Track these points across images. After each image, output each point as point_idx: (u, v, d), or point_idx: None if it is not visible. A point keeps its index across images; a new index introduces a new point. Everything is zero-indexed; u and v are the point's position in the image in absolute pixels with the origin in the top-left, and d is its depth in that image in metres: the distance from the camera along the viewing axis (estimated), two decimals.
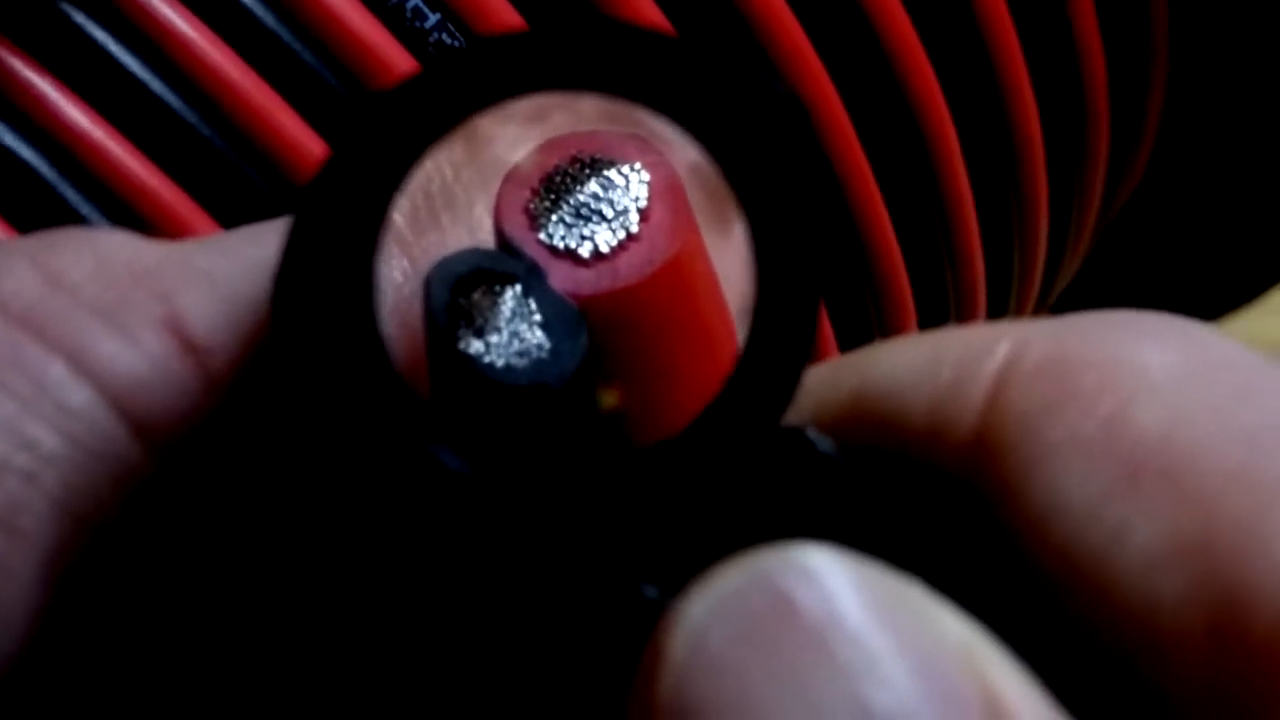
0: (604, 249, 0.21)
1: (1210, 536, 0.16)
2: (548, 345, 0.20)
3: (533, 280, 0.21)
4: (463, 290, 0.20)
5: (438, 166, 0.22)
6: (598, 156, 0.22)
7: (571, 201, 0.21)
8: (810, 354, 0.17)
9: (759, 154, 0.17)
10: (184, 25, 0.25)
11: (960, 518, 0.18)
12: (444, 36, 0.26)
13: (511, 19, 0.26)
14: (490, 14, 0.26)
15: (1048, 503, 0.17)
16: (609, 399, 0.20)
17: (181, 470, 0.18)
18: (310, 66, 0.25)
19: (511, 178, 0.21)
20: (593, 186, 0.22)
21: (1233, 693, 0.16)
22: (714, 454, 0.17)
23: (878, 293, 0.32)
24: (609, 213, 0.21)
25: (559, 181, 0.21)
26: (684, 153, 0.21)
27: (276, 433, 0.19)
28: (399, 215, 0.21)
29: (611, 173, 0.22)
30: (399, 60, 0.25)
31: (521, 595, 0.18)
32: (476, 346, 0.20)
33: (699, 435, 0.17)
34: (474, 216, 0.22)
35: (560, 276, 0.21)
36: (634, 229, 0.21)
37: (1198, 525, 0.16)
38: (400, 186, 0.17)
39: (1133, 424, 0.17)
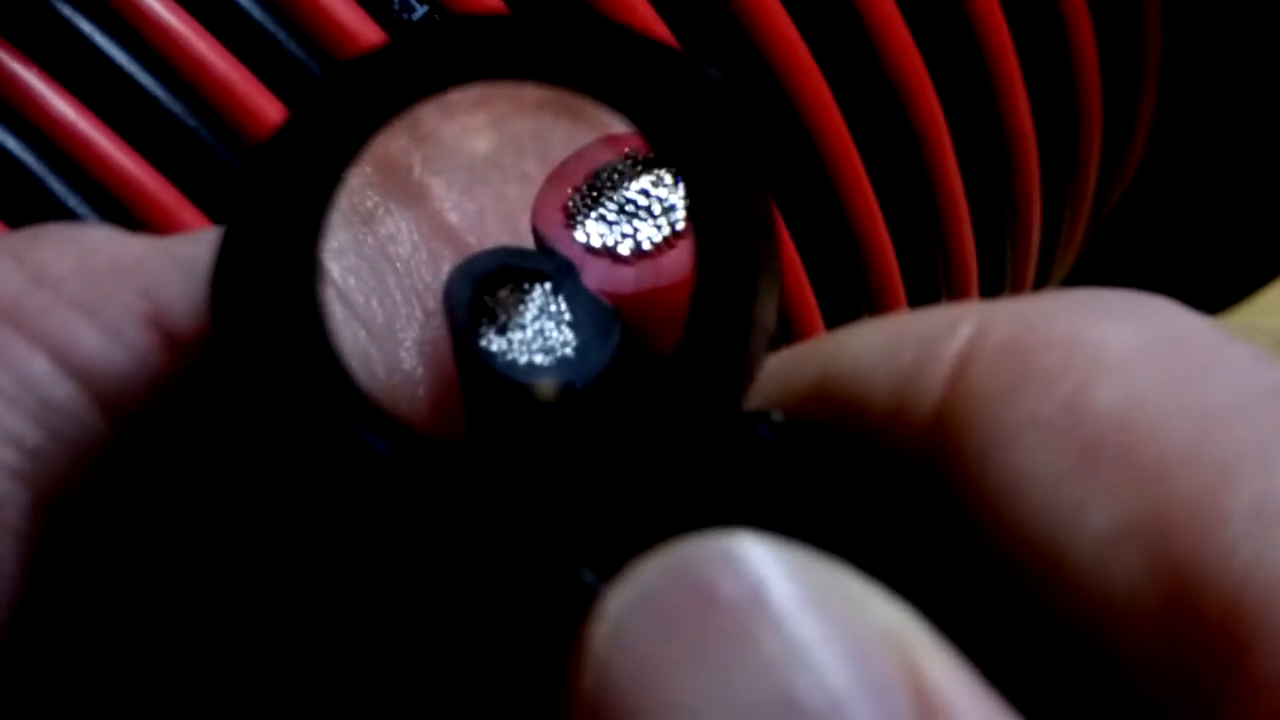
0: (647, 246, 0.21)
1: (1163, 517, 0.16)
2: (575, 344, 0.20)
3: (564, 278, 0.20)
4: (488, 288, 0.20)
5: (379, 154, 0.22)
6: (650, 155, 0.21)
7: (616, 198, 0.21)
8: (749, 335, 0.16)
9: (694, 140, 0.16)
10: (170, 16, 0.25)
11: (916, 500, 0.18)
12: None
13: (495, 5, 0.26)
14: (476, 6, 0.26)
15: (1006, 484, 0.17)
16: (546, 390, 0.20)
17: (147, 454, 0.18)
18: (297, 58, 0.25)
19: (556, 175, 0.21)
20: (642, 183, 0.21)
21: (1185, 675, 0.16)
22: (654, 436, 0.16)
23: (871, 290, 0.31)
24: (656, 209, 0.21)
25: (606, 178, 0.21)
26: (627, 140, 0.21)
27: (226, 417, 0.19)
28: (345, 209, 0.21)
29: (663, 171, 0.21)
30: None
31: (459, 580, 0.17)
32: (498, 344, 0.19)
33: (637, 418, 0.17)
34: (428, 203, 0.22)
35: (596, 275, 0.20)
36: (680, 226, 0.21)
37: (1151, 505, 0.16)
38: (343, 171, 0.17)
39: (1091, 404, 0.17)
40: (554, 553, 0.16)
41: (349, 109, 0.17)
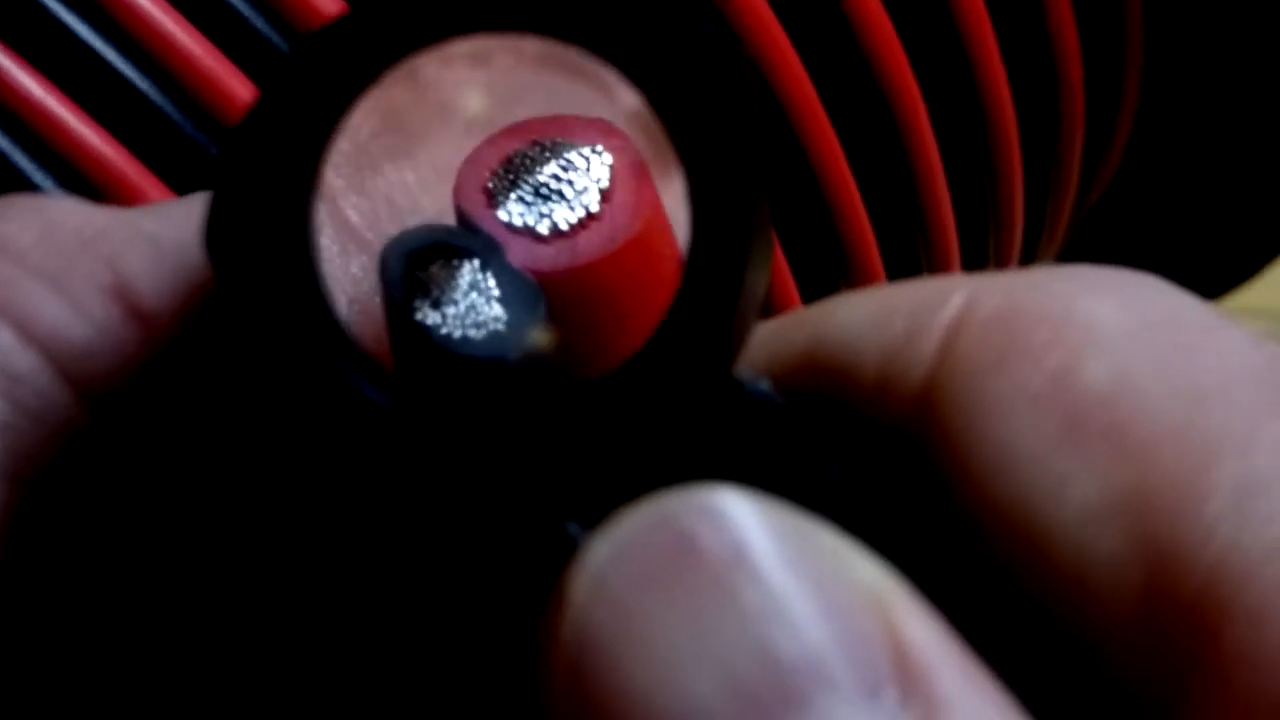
0: (563, 227, 0.21)
1: (1146, 494, 0.16)
2: (505, 319, 0.20)
3: (490, 255, 0.20)
4: (419, 264, 0.20)
5: (379, 109, 0.22)
6: (558, 140, 0.22)
7: (530, 181, 0.21)
8: (741, 298, 0.16)
9: (693, 98, 0.17)
10: None
11: (901, 468, 0.18)
12: None
13: None
14: None
15: (992, 455, 0.17)
16: (544, 339, 0.20)
17: (124, 431, 0.18)
18: (264, 35, 0.25)
19: (471, 160, 0.22)
20: (552, 168, 0.22)
21: (1162, 651, 0.16)
22: (644, 395, 0.16)
23: (853, 281, 0.31)
24: (569, 193, 0.21)
25: (518, 163, 0.22)
26: (626, 97, 0.21)
27: (214, 379, 0.18)
28: (340, 163, 0.21)
29: (572, 154, 0.22)
30: None
31: (446, 530, 0.17)
32: (434, 318, 0.20)
33: (628, 377, 0.17)
34: (421, 158, 0.22)
35: (519, 253, 0.21)
36: (594, 208, 0.21)
37: (1135, 482, 0.16)
38: (337, 123, 0.17)
39: (1079, 378, 0.17)
40: (540, 504, 0.17)
41: (346, 59, 0.17)
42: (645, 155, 0.22)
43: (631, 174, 0.21)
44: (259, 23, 0.25)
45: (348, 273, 0.21)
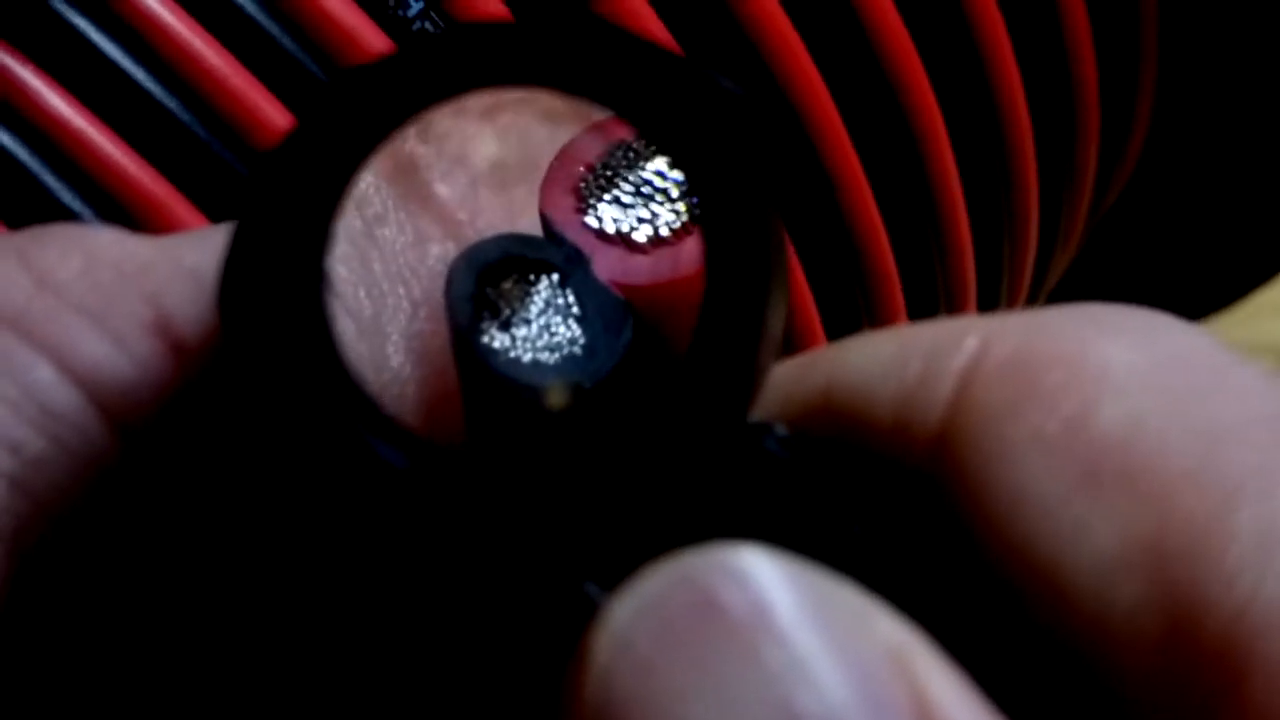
0: (664, 232, 0.19)
1: (1164, 539, 0.16)
2: (583, 340, 0.19)
3: (573, 269, 0.19)
4: (490, 280, 0.19)
5: (391, 160, 0.22)
6: None
7: (632, 178, 0.20)
8: (758, 349, 0.16)
9: (706, 150, 0.16)
10: (164, 12, 0.25)
11: (919, 515, 0.18)
12: (427, 25, 0.26)
13: (496, 9, 0.26)
14: (475, 3, 0.26)
15: (1008, 501, 0.17)
16: (557, 398, 0.19)
17: (153, 464, 0.18)
18: (291, 53, 0.25)
19: (563, 155, 0.20)
20: (657, 163, 0.20)
21: (1182, 701, 0.16)
22: (661, 448, 0.16)
23: (868, 290, 0.31)
24: (674, 192, 0.20)
25: (620, 157, 0.20)
26: None
27: (236, 426, 0.18)
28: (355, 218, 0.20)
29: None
30: (381, 48, 0.25)
31: (464, 591, 0.17)
32: (501, 341, 0.19)
33: (644, 428, 0.16)
34: (435, 208, 0.22)
35: (608, 264, 0.19)
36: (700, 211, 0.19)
37: (1153, 527, 0.16)
38: (353, 176, 0.17)
39: (1095, 423, 0.17)
40: (559, 565, 0.16)
41: (359, 114, 0.16)
42: None
43: None
44: (288, 43, 0.25)
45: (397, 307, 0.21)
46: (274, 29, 0.25)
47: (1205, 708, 0.16)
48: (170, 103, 0.25)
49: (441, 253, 0.21)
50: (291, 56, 0.25)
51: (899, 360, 0.18)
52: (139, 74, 0.25)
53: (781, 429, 0.18)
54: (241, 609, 0.18)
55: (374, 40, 0.25)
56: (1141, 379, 0.17)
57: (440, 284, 0.20)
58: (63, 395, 0.18)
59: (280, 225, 0.16)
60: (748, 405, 0.17)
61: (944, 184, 0.32)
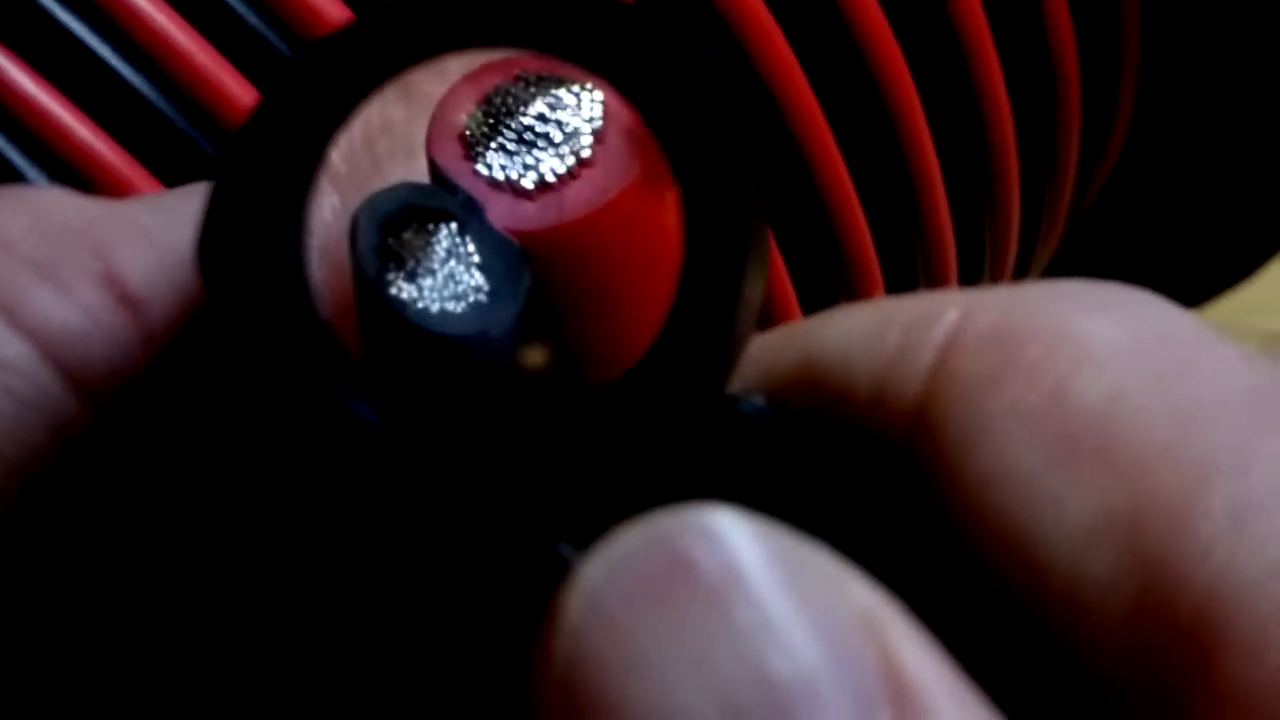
0: (550, 178, 0.19)
1: (1140, 513, 0.16)
2: (487, 288, 0.19)
3: (469, 216, 0.19)
4: (393, 230, 0.19)
5: (373, 121, 0.22)
6: (544, 74, 0.20)
7: (514, 125, 0.20)
8: (736, 318, 0.16)
9: (690, 117, 0.16)
10: None
11: (894, 486, 0.18)
12: None
13: None
14: None
15: (985, 472, 0.17)
16: (536, 358, 0.19)
17: (118, 422, 0.18)
18: (256, 30, 0.25)
19: (445, 102, 0.20)
20: (539, 106, 0.20)
21: (1155, 674, 0.16)
22: (637, 413, 0.16)
23: (849, 279, 0.31)
24: (557, 136, 0.20)
25: (500, 103, 0.20)
26: (622, 115, 0.20)
27: (208, 384, 0.18)
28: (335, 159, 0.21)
29: (561, 91, 0.20)
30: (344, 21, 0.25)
31: (437, 549, 0.17)
32: (408, 291, 0.19)
33: (621, 393, 0.16)
34: (414, 171, 0.22)
35: (500, 211, 0.19)
36: (586, 154, 0.20)
37: (1129, 501, 0.16)
38: (333, 135, 0.16)
39: (1074, 396, 0.17)
40: (531, 524, 0.16)
41: (339, 74, 0.16)
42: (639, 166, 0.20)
43: (620, 115, 0.19)
44: (253, 19, 0.25)
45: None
46: (240, 6, 0.25)
47: (1178, 681, 0.16)
48: (135, 79, 0.25)
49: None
50: (255, 31, 0.25)
51: (878, 332, 0.18)
52: (99, 46, 0.25)
53: (759, 399, 0.18)
54: (218, 567, 0.18)
55: (337, 14, 0.25)
56: (1122, 354, 0.17)
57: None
58: (11, 345, 0.18)
59: (260, 182, 0.16)
60: (725, 374, 0.17)
61: (925, 177, 0.32)
